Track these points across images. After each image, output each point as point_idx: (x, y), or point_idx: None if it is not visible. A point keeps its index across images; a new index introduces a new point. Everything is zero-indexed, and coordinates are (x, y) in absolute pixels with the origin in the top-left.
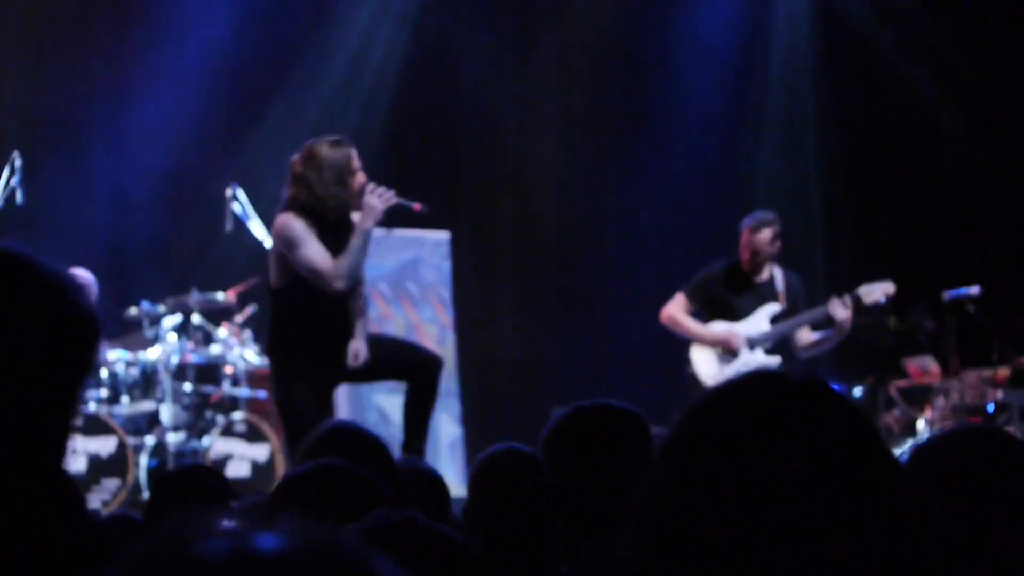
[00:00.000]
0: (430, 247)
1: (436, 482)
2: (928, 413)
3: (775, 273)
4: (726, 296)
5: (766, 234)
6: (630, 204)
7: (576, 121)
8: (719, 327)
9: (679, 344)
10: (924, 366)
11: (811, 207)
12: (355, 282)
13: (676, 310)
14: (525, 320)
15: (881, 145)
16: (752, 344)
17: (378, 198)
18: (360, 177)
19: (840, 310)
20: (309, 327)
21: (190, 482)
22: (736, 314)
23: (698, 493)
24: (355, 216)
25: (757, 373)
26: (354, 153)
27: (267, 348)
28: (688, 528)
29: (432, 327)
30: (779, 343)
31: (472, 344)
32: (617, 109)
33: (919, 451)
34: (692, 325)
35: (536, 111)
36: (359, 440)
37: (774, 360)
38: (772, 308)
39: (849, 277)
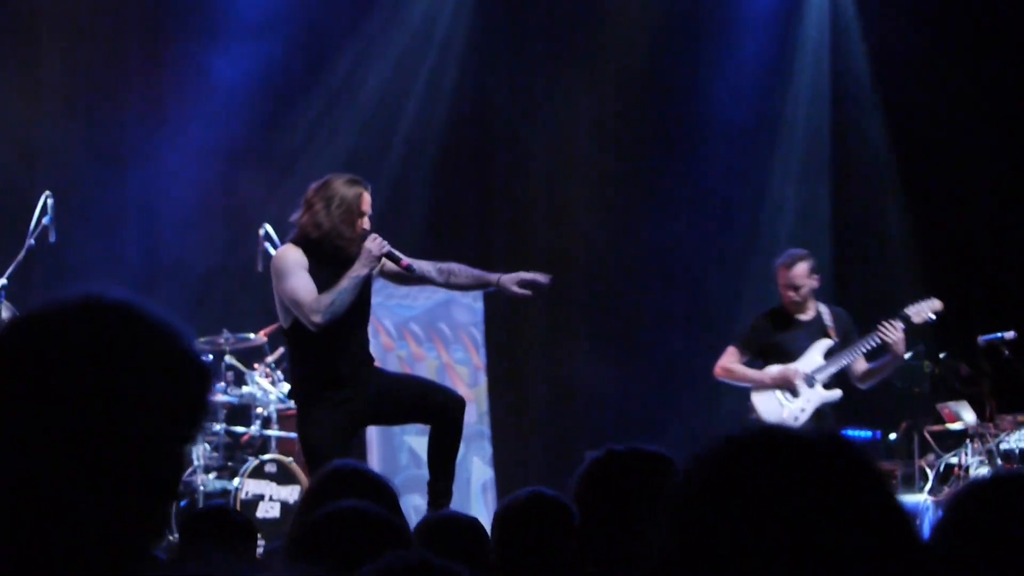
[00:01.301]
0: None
1: (473, 526)
2: (963, 458)
3: (820, 309)
4: (776, 340)
5: (802, 268)
6: (663, 241)
7: (608, 158)
8: (775, 369)
9: (715, 384)
10: (958, 411)
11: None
12: (335, 319)
13: (729, 362)
14: (557, 361)
15: (914, 188)
16: (810, 380)
17: (375, 244)
18: (365, 221)
19: (891, 333)
20: (322, 364)
21: (217, 523)
22: (790, 355)
23: (704, 547)
24: None
25: (768, 427)
26: (367, 196)
27: (290, 391)
28: None
29: (464, 368)
30: (836, 377)
31: (504, 385)
32: (648, 145)
33: (956, 498)
34: (748, 372)
35: (567, 149)
36: (361, 480)
37: (835, 394)
38: (825, 343)
39: (879, 312)
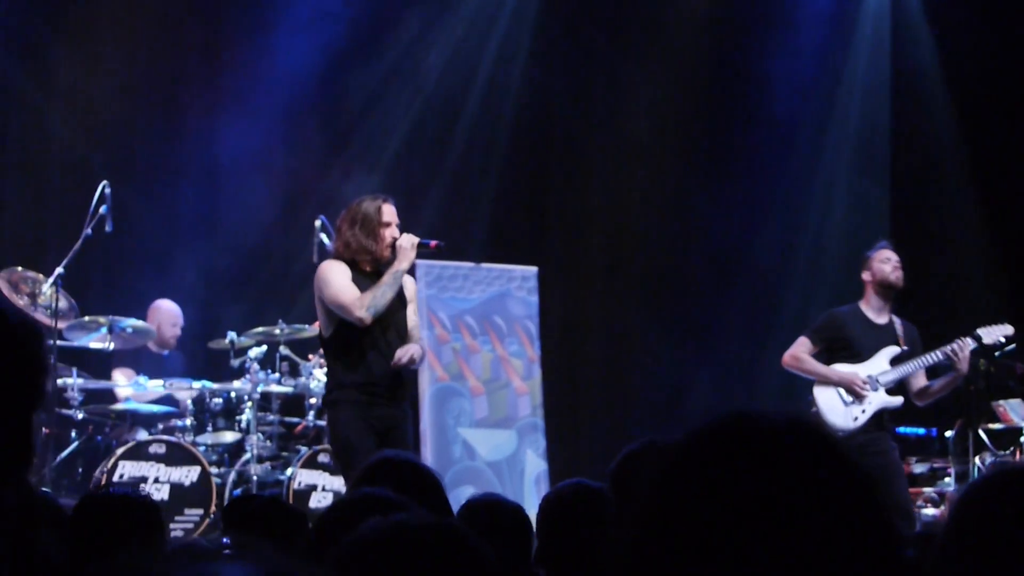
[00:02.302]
0: (517, 281)
1: (515, 511)
2: (1018, 456)
3: (894, 319)
4: (848, 336)
5: (890, 259)
6: (718, 237)
7: (664, 155)
8: (843, 368)
9: (766, 378)
10: (1014, 409)
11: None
12: (377, 316)
13: (799, 351)
14: (612, 354)
15: (970, 179)
16: (874, 384)
17: (406, 239)
18: (391, 231)
19: (960, 351)
20: (357, 373)
21: (268, 514)
22: (859, 355)
23: (680, 530)
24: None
25: (744, 412)
26: (387, 207)
27: (323, 399)
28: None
29: (518, 361)
30: (898, 385)
31: (558, 379)
32: (706, 144)
33: (963, 493)
34: (816, 366)
35: (624, 146)
36: (408, 470)
37: (896, 400)
38: (893, 350)
39: (928, 313)
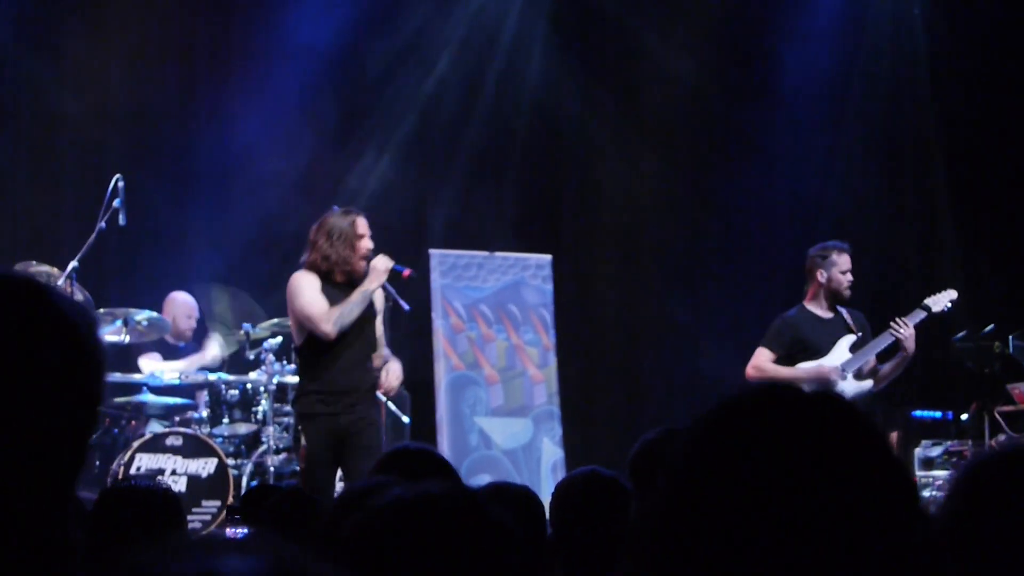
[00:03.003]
0: (532, 269)
1: (526, 496)
2: None
3: (840, 310)
4: (804, 338)
5: (850, 270)
6: (733, 225)
7: (679, 140)
8: (809, 365)
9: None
10: None
11: (911, 232)
12: (343, 330)
13: (761, 362)
14: (627, 341)
15: (985, 167)
16: (842, 373)
17: (380, 261)
18: (365, 243)
19: (902, 329)
20: (323, 382)
21: (284, 504)
22: (818, 351)
23: (705, 506)
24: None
25: (772, 387)
26: (360, 221)
27: (292, 405)
28: (693, 542)
29: (534, 349)
30: (859, 371)
31: (574, 366)
32: (721, 128)
33: (963, 471)
34: (781, 370)
35: (638, 131)
36: (425, 460)
37: (866, 384)
38: (850, 338)
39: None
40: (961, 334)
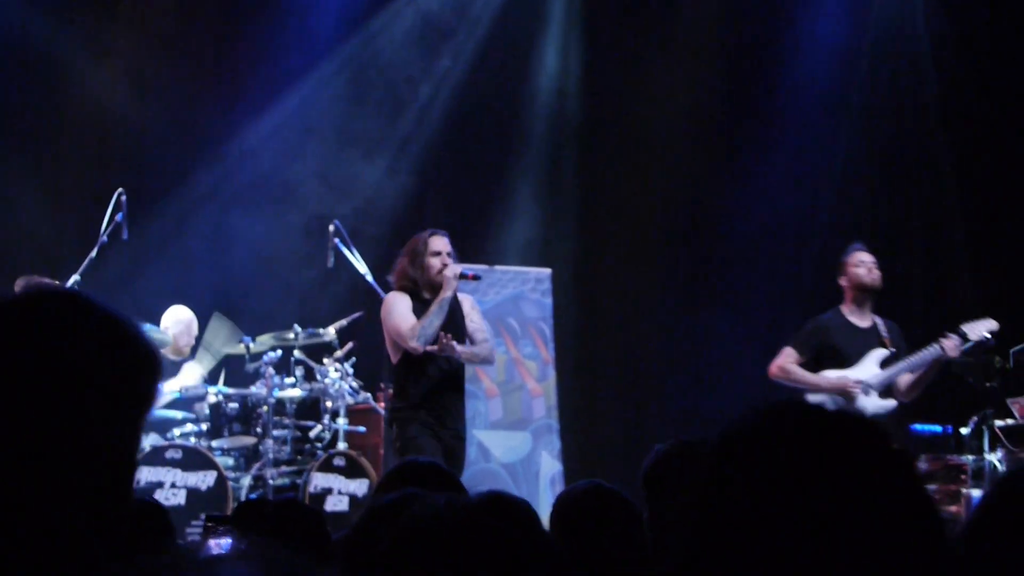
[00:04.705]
0: (532, 283)
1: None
2: None
3: (876, 320)
4: (834, 343)
5: (864, 262)
6: (734, 238)
7: (680, 153)
8: (833, 375)
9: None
10: None
11: (917, 245)
12: (430, 342)
13: (786, 362)
14: (627, 355)
15: (992, 180)
16: (866, 389)
17: (450, 269)
18: (440, 259)
19: (954, 350)
20: (418, 398)
21: (284, 517)
22: (846, 360)
23: (732, 520)
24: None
25: (793, 403)
26: (435, 240)
27: (390, 415)
28: (721, 548)
29: (533, 363)
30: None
31: (573, 380)
32: (721, 141)
33: (992, 489)
34: (805, 375)
35: (639, 145)
36: (433, 474)
37: (889, 403)
38: (880, 353)
39: (946, 308)
40: (963, 348)
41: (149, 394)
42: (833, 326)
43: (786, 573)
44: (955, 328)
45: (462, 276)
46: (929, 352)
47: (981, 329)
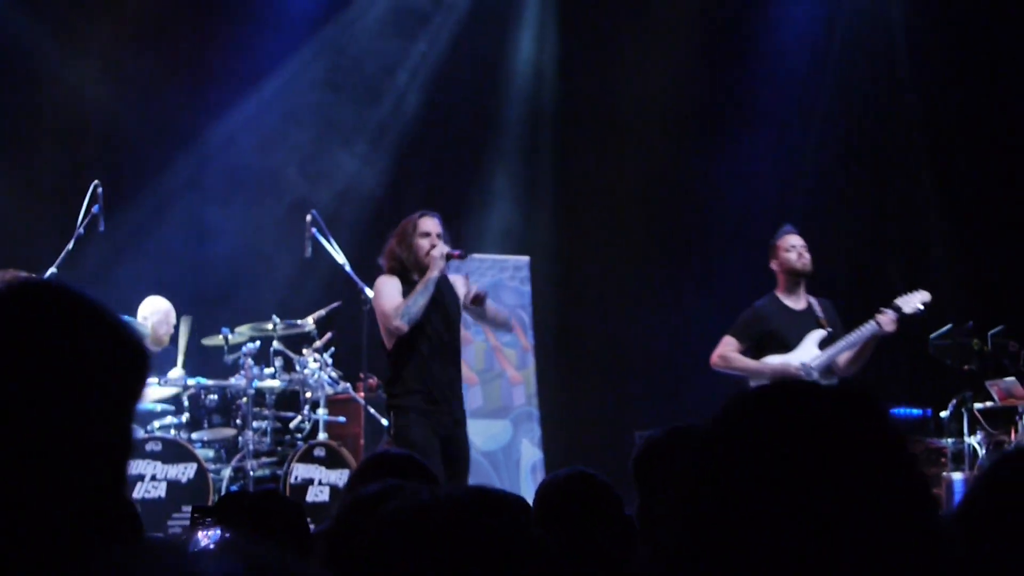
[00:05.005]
0: (510, 271)
1: (513, 503)
2: (1013, 435)
3: (811, 301)
4: (772, 329)
5: (794, 246)
6: (714, 222)
7: (655, 139)
8: (775, 360)
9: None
10: (1008, 388)
11: (893, 226)
12: (415, 323)
13: (726, 351)
14: (607, 341)
15: (969, 161)
16: (808, 371)
17: (437, 251)
18: (429, 240)
19: (890, 325)
20: (415, 383)
21: (264, 509)
22: (787, 344)
23: (727, 492)
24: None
25: (795, 381)
26: (423, 221)
27: (388, 402)
28: (714, 529)
29: (512, 351)
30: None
31: (553, 367)
32: (698, 124)
33: (987, 470)
34: (747, 362)
35: (615, 130)
36: (408, 465)
37: (833, 382)
38: (819, 333)
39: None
40: (940, 331)
41: (138, 387)
42: (770, 312)
43: (784, 558)
44: (889, 303)
45: (448, 256)
46: (866, 328)
47: (915, 301)
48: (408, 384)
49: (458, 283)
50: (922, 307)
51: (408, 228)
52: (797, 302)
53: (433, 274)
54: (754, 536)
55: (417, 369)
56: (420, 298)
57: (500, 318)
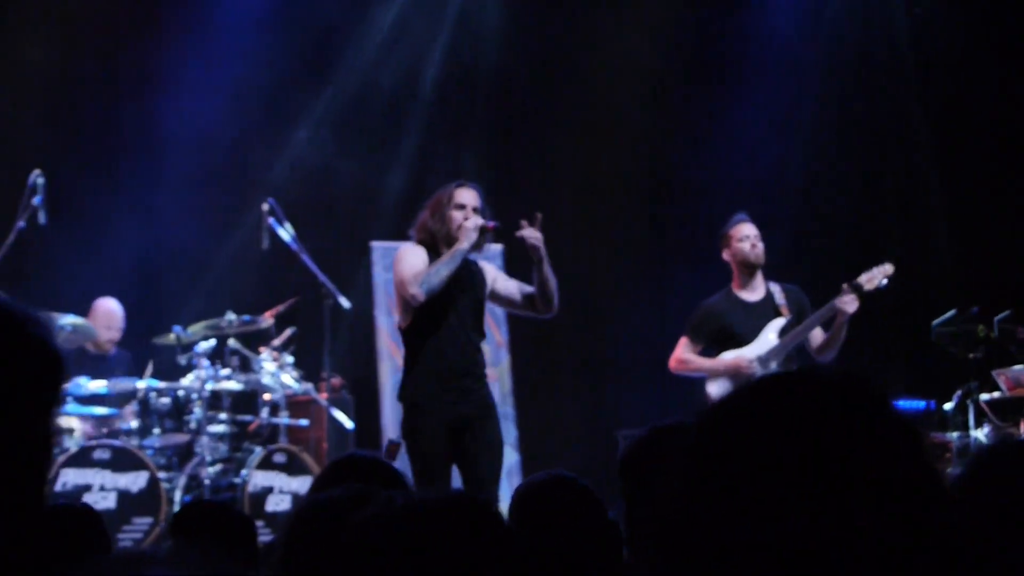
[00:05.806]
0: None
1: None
2: (1022, 427)
3: (771, 288)
4: (727, 325)
5: (748, 236)
6: (695, 209)
7: (635, 124)
8: (729, 356)
9: None
10: (1017, 378)
11: (893, 208)
12: (433, 294)
13: (683, 353)
14: (584, 336)
15: (970, 144)
16: (764, 362)
17: (469, 222)
18: (464, 212)
19: (851, 304)
20: (432, 365)
21: (214, 520)
22: (743, 339)
23: (721, 486)
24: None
25: (796, 372)
26: (458, 192)
27: (399, 393)
28: (708, 520)
29: (485, 346)
30: (792, 354)
31: (528, 364)
32: (679, 109)
33: (981, 453)
34: (702, 362)
35: (592, 116)
36: (375, 469)
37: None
38: (778, 322)
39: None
40: (944, 317)
41: (51, 391)
42: (723, 308)
43: (783, 561)
44: (851, 280)
45: (483, 230)
46: (825, 310)
47: (878, 277)
48: (424, 361)
49: (490, 270)
50: (886, 282)
51: (443, 199)
52: (752, 293)
53: (463, 245)
54: (751, 537)
55: (434, 352)
56: (444, 268)
57: (552, 284)
